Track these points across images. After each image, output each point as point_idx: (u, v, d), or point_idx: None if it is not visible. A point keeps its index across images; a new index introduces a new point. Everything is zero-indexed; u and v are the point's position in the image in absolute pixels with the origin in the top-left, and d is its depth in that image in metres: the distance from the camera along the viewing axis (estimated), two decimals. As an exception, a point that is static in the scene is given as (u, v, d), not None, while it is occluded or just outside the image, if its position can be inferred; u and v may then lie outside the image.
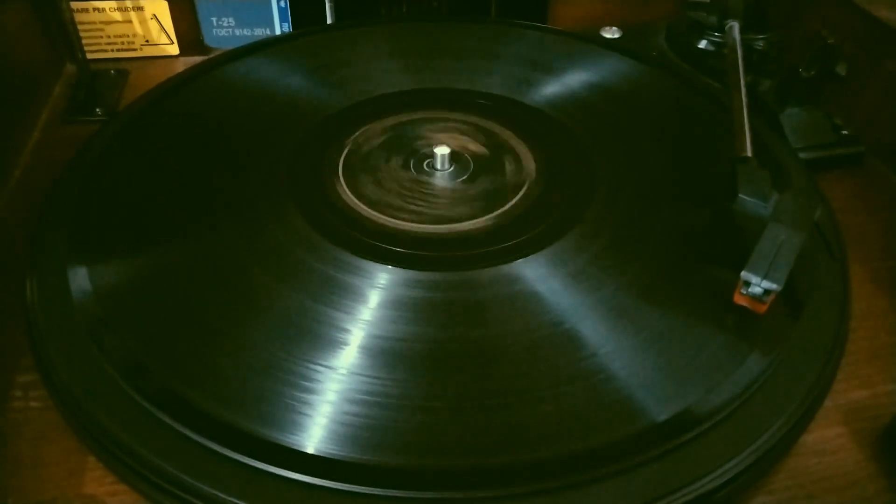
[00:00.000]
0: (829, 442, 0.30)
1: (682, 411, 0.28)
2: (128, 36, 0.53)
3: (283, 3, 0.53)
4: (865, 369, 0.33)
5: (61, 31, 0.49)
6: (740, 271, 0.30)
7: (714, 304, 0.32)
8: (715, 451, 0.27)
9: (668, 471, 0.27)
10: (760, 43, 0.48)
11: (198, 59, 0.53)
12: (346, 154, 0.40)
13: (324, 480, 0.25)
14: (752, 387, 0.29)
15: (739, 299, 0.31)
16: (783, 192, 0.33)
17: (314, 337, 0.30)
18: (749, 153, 0.36)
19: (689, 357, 0.30)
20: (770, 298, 0.30)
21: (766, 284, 0.30)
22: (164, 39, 0.53)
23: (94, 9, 0.51)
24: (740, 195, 0.33)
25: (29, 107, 0.47)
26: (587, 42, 0.50)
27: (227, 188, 0.38)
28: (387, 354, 0.30)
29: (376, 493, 0.25)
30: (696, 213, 0.37)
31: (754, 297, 0.30)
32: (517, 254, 0.34)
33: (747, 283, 0.30)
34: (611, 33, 0.54)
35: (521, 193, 0.38)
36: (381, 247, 0.34)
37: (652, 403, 0.28)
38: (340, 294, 0.32)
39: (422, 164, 0.40)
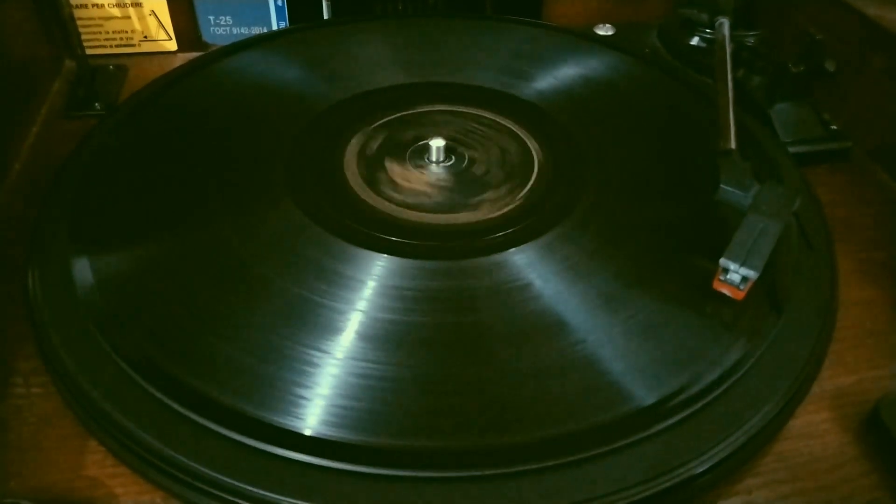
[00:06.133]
0: (815, 426, 0.31)
1: (669, 395, 0.29)
2: (126, 32, 0.53)
3: (280, 2, 0.54)
4: (851, 356, 0.34)
5: (60, 27, 0.49)
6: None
7: (701, 292, 0.32)
8: (702, 435, 0.28)
9: (656, 454, 0.27)
10: (751, 39, 0.48)
11: (196, 55, 0.53)
12: (343, 147, 0.41)
13: (320, 459, 0.26)
14: (739, 372, 0.30)
15: (718, 286, 0.32)
16: (763, 183, 0.34)
17: (312, 323, 0.31)
18: (733, 146, 0.36)
19: (678, 343, 0.31)
20: (748, 285, 0.31)
21: (744, 271, 0.30)
22: (163, 35, 0.54)
23: (93, 4, 0.52)
24: (721, 185, 0.34)
25: (28, 102, 0.47)
26: (581, 38, 0.51)
27: (225, 180, 0.38)
28: (382, 340, 0.30)
29: (371, 472, 0.26)
30: (684, 204, 0.38)
31: (732, 284, 0.31)
32: (509, 243, 0.34)
33: (725, 270, 0.31)
34: (604, 30, 0.55)
35: (513, 185, 0.39)
36: (377, 236, 0.35)
37: (640, 388, 0.29)
38: (337, 282, 0.32)
39: (417, 157, 0.41)
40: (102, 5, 0.52)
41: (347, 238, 0.34)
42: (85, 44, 0.50)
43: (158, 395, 0.28)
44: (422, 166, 0.40)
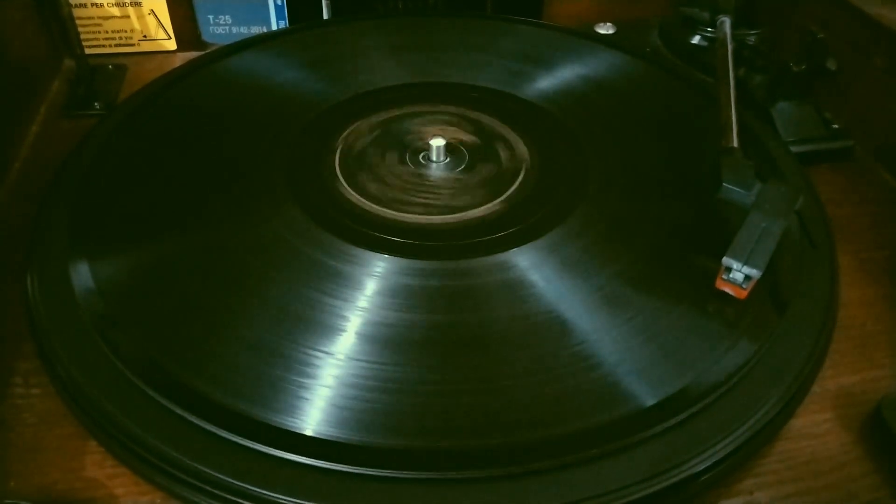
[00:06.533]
0: (816, 426, 0.31)
1: (671, 395, 0.29)
2: (125, 31, 0.53)
3: (279, 2, 0.54)
4: (853, 356, 0.34)
5: (60, 27, 0.49)
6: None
7: (702, 291, 0.32)
8: (704, 434, 0.28)
9: (658, 452, 0.27)
10: (752, 38, 0.48)
11: (195, 54, 0.53)
12: (343, 147, 0.41)
13: (321, 461, 0.26)
14: (740, 372, 0.30)
15: (721, 285, 0.31)
16: (766, 182, 0.34)
17: (313, 324, 0.31)
18: (735, 144, 0.36)
19: (680, 342, 0.31)
20: (751, 284, 0.31)
21: (747, 270, 0.30)
22: (162, 35, 0.54)
23: (93, 4, 0.52)
24: (724, 184, 0.34)
25: (28, 101, 0.47)
26: (581, 37, 0.51)
27: (225, 181, 0.38)
28: (383, 340, 0.30)
29: (371, 473, 0.26)
30: (686, 203, 0.38)
31: (735, 283, 0.31)
32: (511, 243, 0.34)
33: (728, 269, 0.31)
34: (605, 29, 0.55)
35: (514, 184, 0.39)
36: (377, 236, 0.35)
37: (641, 388, 0.29)
38: (338, 282, 0.32)
39: (417, 156, 0.40)
40: (102, 4, 0.52)
41: (348, 238, 0.34)
42: (84, 43, 0.50)
43: (157, 396, 0.28)
44: (422, 166, 0.40)
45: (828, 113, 0.46)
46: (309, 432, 0.27)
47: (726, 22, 0.45)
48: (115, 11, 0.52)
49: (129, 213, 0.36)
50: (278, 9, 0.54)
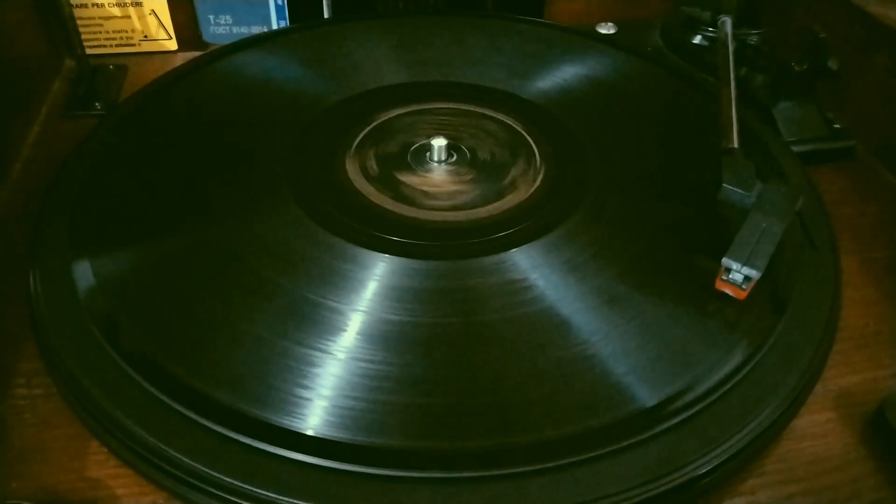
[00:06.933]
0: (819, 426, 0.31)
1: (672, 396, 0.29)
2: (126, 31, 0.53)
3: (280, 1, 0.54)
4: (855, 356, 0.34)
5: (60, 27, 0.49)
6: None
7: (705, 291, 0.32)
8: (706, 436, 0.28)
9: (660, 454, 0.27)
10: (754, 38, 0.48)
11: (196, 54, 0.53)
12: (344, 146, 0.41)
13: (322, 460, 0.26)
14: (742, 372, 0.30)
15: (721, 285, 0.31)
16: (766, 183, 0.34)
17: (314, 323, 0.31)
18: (735, 145, 0.36)
19: (680, 343, 0.31)
20: (751, 285, 0.31)
21: (747, 271, 0.30)
22: (163, 35, 0.54)
23: (94, 4, 0.52)
24: (724, 185, 0.34)
25: (29, 101, 0.47)
26: (582, 37, 0.51)
27: (226, 180, 0.38)
28: (384, 340, 0.30)
29: (372, 472, 0.26)
30: (686, 203, 0.38)
31: (735, 284, 0.31)
32: (512, 243, 0.34)
33: (728, 270, 0.31)
34: (606, 29, 0.55)
35: (515, 185, 0.39)
36: (378, 236, 0.35)
37: (642, 389, 0.29)
38: (340, 282, 0.32)
39: (418, 156, 0.40)
40: (102, 5, 0.52)
41: (349, 238, 0.34)
42: (85, 43, 0.50)
43: (160, 395, 0.28)
44: (423, 166, 0.40)
45: (829, 113, 0.46)
46: (310, 432, 0.27)
47: (727, 22, 0.45)
48: (116, 11, 0.52)
49: (131, 213, 0.36)
50: (279, 9, 0.54)
